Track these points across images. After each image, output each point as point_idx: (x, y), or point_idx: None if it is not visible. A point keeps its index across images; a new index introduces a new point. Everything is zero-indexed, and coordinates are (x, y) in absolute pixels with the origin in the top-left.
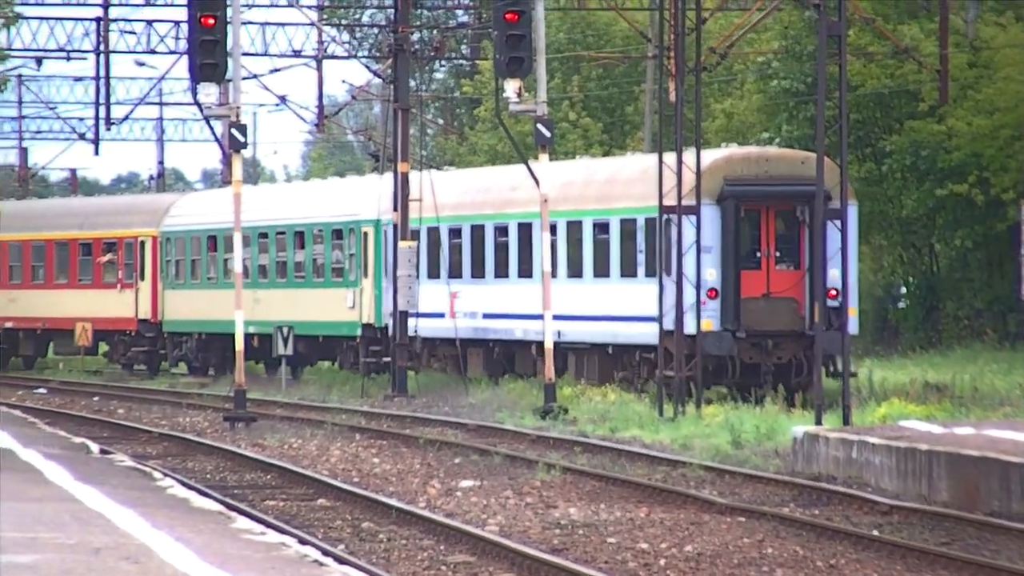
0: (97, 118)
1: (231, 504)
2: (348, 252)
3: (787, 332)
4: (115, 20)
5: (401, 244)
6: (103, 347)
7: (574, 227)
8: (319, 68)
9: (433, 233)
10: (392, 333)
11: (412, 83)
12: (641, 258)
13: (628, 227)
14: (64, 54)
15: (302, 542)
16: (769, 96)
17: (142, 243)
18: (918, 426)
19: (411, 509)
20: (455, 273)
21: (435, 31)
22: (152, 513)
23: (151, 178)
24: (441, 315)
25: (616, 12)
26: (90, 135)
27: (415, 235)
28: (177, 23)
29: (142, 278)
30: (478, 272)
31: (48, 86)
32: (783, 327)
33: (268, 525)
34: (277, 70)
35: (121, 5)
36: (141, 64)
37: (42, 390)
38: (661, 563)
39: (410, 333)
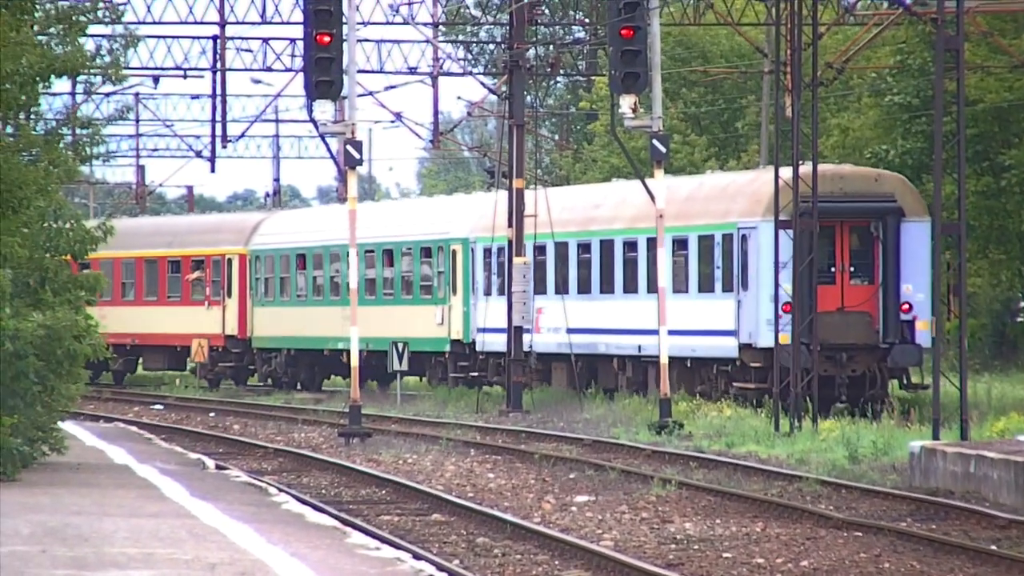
0: (213, 135)
1: (346, 519)
2: (437, 270)
3: (860, 345)
4: (231, 38)
5: (516, 260)
6: (191, 363)
7: (653, 243)
8: (434, 85)
9: (501, 252)
10: (507, 348)
11: (527, 99)
12: (719, 274)
13: (706, 243)
14: (181, 72)
15: (417, 557)
16: (885, 111)
17: (229, 261)
18: None
19: (526, 524)
20: (539, 289)
21: (551, 47)
22: (267, 529)
23: (267, 195)
24: (528, 330)
25: (732, 27)
26: (206, 152)
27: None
28: (293, 41)
29: (229, 295)
30: (561, 288)
31: (165, 104)
32: (857, 340)
33: (383, 540)
34: (393, 87)
35: (238, 23)
36: (257, 82)
37: (158, 406)
38: None
39: (525, 348)
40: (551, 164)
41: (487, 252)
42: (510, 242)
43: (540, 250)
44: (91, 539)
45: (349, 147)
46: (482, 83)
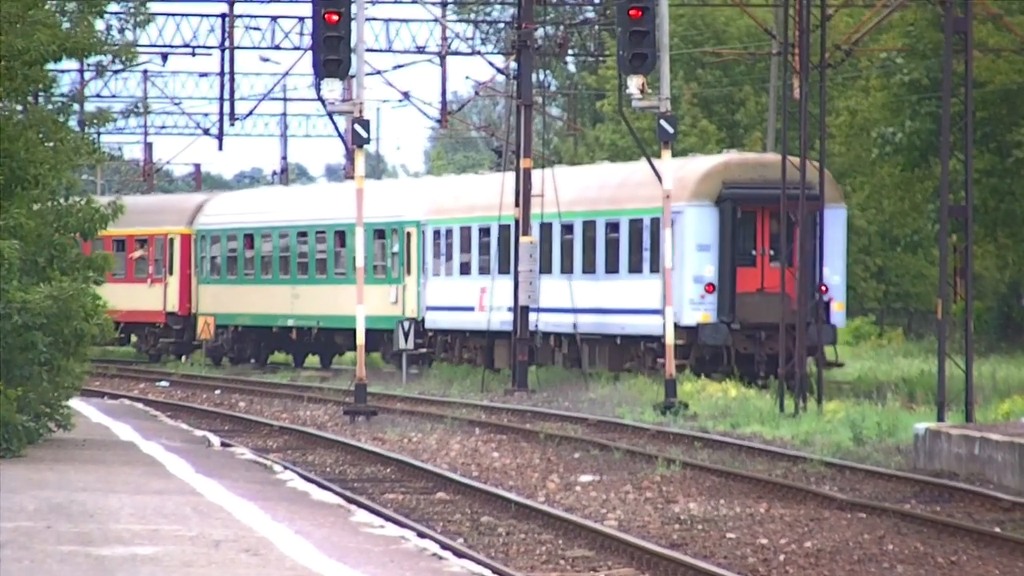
0: (221, 113)
1: (351, 497)
2: (391, 251)
3: (779, 324)
4: (240, 16)
5: (523, 239)
6: (133, 338)
7: (588, 226)
8: (443, 64)
9: (465, 232)
10: (513, 328)
11: (535, 79)
12: (647, 255)
13: (636, 226)
14: (189, 50)
15: (421, 535)
16: (893, 92)
17: (171, 240)
18: None
19: (530, 503)
20: (503, 270)
21: (559, 27)
22: (272, 506)
23: (274, 173)
24: (471, 308)
25: (740, 8)
26: (214, 130)
27: (446, 234)
28: (301, 19)
29: (171, 273)
30: (506, 268)
31: (173, 81)
32: (776, 320)
33: (387, 518)
34: (401, 66)
35: (246, 1)
36: (265, 60)
37: (164, 383)
38: (780, 559)
39: (530, 328)
40: (555, 147)
41: (436, 234)
42: (517, 221)
43: (484, 231)
44: (96, 515)
45: (357, 126)
46: (490, 63)
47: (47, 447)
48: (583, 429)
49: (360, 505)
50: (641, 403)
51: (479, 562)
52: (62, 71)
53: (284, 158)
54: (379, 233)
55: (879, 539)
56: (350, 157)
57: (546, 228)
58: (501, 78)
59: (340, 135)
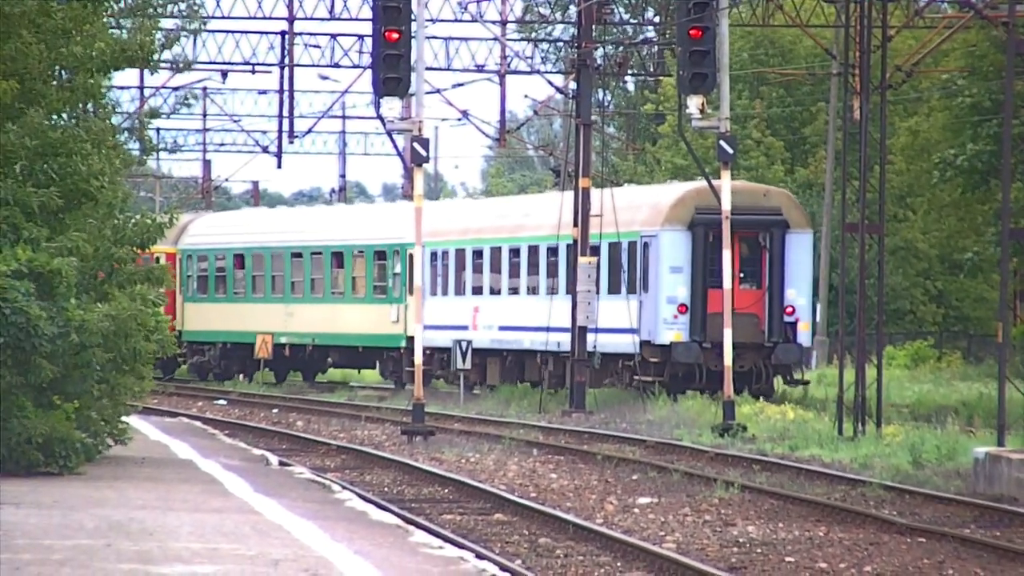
0: (280, 131)
1: (409, 518)
2: (392, 271)
3: (748, 344)
4: (300, 34)
5: (581, 260)
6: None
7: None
8: (502, 83)
9: (460, 254)
10: (571, 348)
11: (594, 98)
12: (624, 277)
13: (615, 250)
14: (249, 67)
15: (479, 557)
16: (954, 114)
17: (157, 259)
18: None
19: (588, 525)
20: (476, 290)
21: (619, 47)
22: (331, 526)
23: (332, 191)
24: (465, 327)
25: (800, 29)
26: (273, 148)
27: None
28: (361, 37)
29: None
30: (496, 288)
31: (232, 99)
32: (745, 339)
33: (446, 539)
34: (460, 84)
35: (306, 19)
36: (325, 78)
37: (222, 401)
38: None
39: (589, 349)
40: (615, 166)
41: (433, 256)
42: (575, 241)
43: (478, 254)
44: (156, 533)
45: (416, 144)
46: (549, 82)
47: (105, 465)
48: (641, 451)
49: (418, 526)
50: (699, 425)
51: None
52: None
53: (343, 176)
54: (379, 255)
55: (939, 564)
56: (409, 175)
57: (496, 251)
58: (559, 97)
59: (399, 153)
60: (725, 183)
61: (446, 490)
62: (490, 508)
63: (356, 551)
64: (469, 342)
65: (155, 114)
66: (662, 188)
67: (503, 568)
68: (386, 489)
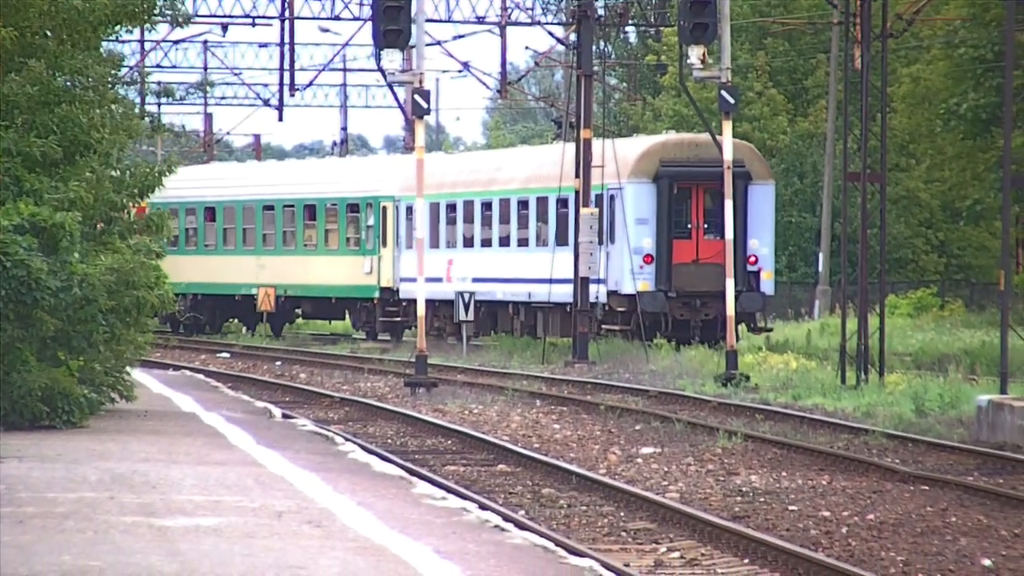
0: (281, 84)
1: (412, 469)
2: (365, 224)
3: (713, 293)
4: None
5: (583, 211)
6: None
7: (541, 202)
8: (502, 34)
9: (434, 208)
10: (574, 299)
11: (595, 49)
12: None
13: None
14: (249, 20)
15: (483, 507)
16: (956, 63)
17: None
18: None
19: (591, 475)
20: (450, 243)
21: None
22: (334, 478)
23: (334, 144)
24: (440, 279)
25: None
26: (274, 101)
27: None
28: None
29: None
30: (469, 242)
31: (233, 52)
32: (709, 288)
33: (449, 490)
34: (460, 36)
35: None
36: (325, 30)
37: (225, 354)
38: (843, 531)
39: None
40: (620, 114)
41: (409, 210)
42: (577, 192)
43: (451, 207)
44: (159, 486)
45: (417, 96)
46: (550, 33)
47: (108, 418)
48: (644, 401)
49: (421, 477)
50: (702, 375)
51: (541, 534)
52: (123, 41)
53: (344, 129)
54: (352, 207)
55: (941, 511)
56: (410, 128)
57: (468, 205)
58: (561, 48)
59: (400, 106)
60: (727, 133)
61: (449, 441)
62: (493, 459)
63: (359, 503)
64: (472, 294)
65: (169, 92)
66: (628, 141)
67: (506, 519)
68: (389, 441)
